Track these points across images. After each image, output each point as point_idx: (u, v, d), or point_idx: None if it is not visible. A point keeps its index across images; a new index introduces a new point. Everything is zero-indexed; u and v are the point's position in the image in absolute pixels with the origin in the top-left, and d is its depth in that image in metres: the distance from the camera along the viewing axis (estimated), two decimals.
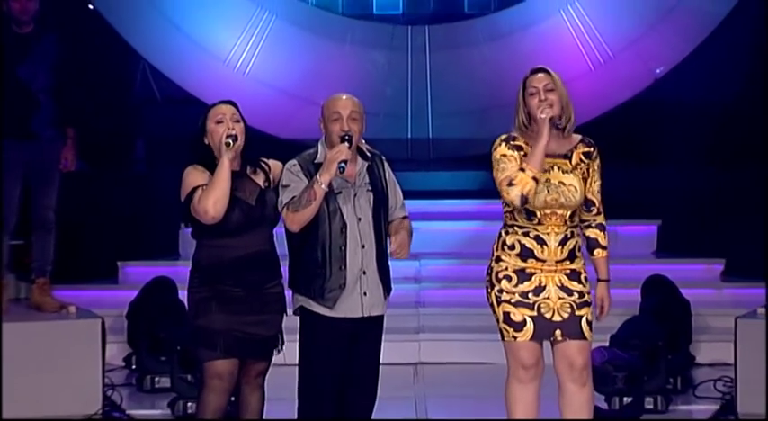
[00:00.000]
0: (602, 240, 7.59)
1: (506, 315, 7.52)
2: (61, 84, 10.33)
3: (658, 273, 10.74)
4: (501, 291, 7.52)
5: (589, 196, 7.53)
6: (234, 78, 12.52)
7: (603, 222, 7.61)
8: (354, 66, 12.90)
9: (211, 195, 7.49)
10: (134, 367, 10.59)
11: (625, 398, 9.70)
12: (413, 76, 13.13)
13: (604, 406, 9.58)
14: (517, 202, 7.37)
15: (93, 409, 9.81)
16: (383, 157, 7.79)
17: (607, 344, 10.11)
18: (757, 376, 9.85)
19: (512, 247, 7.53)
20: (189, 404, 9.53)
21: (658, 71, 12.63)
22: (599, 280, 7.54)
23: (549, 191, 7.41)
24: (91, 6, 12.56)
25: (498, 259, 7.56)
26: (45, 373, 9.90)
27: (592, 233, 7.58)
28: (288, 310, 7.78)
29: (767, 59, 11.35)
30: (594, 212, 7.57)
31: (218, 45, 12.92)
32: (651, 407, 9.85)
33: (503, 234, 7.57)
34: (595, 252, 7.57)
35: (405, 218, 7.76)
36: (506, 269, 7.54)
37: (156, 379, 10.29)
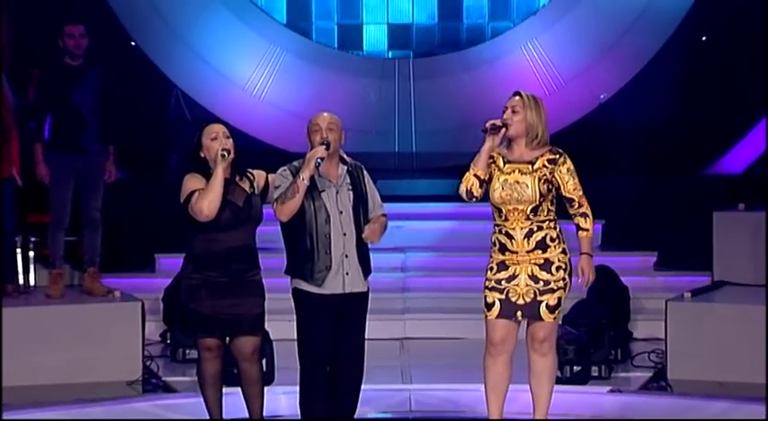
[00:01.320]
0: (583, 224, 7.54)
1: (484, 298, 7.56)
2: (105, 108, 10.36)
3: (602, 264, 10.72)
4: (485, 279, 7.57)
5: (566, 195, 7.51)
6: (251, 102, 12.51)
7: (586, 211, 7.55)
8: (350, 92, 12.88)
9: (206, 198, 7.53)
10: (168, 342, 10.55)
11: (575, 367, 9.70)
12: (399, 101, 13.09)
13: (559, 373, 9.61)
14: (464, 196, 7.51)
15: (134, 376, 9.84)
16: (362, 167, 7.81)
17: (561, 322, 10.15)
18: (683, 348, 9.91)
19: (494, 244, 7.57)
20: None
21: (602, 97, 12.63)
22: (581, 253, 7.53)
23: (503, 188, 7.45)
24: (133, 43, 12.56)
25: (490, 255, 7.61)
26: (95, 346, 9.92)
27: (576, 220, 7.55)
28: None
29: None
30: (576, 206, 7.53)
31: (238, 75, 12.90)
32: (596, 374, 9.85)
33: (492, 234, 7.61)
34: (579, 234, 7.55)
35: (383, 215, 7.78)
36: (492, 262, 7.57)
37: (187, 351, 10.26)
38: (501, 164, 7.52)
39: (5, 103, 10.30)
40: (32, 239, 10.72)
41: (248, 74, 12.87)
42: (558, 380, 9.28)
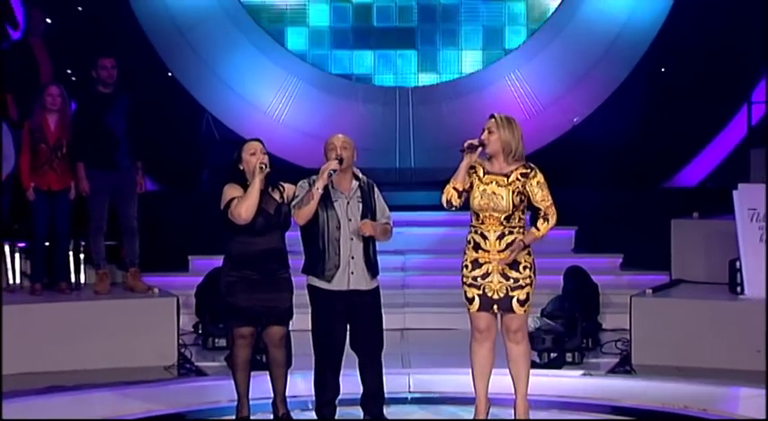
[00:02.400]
0: (539, 224, 7.48)
1: (465, 293, 7.58)
2: (134, 129, 10.35)
3: (575, 264, 10.74)
4: (463, 275, 7.57)
5: (535, 204, 7.49)
6: (271, 124, 12.50)
7: (549, 218, 7.48)
8: (358, 116, 12.88)
9: (244, 204, 7.55)
10: (200, 332, 10.53)
11: (552, 354, 9.70)
12: (400, 123, 13.09)
13: (537, 359, 9.59)
14: (445, 205, 7.50)
15: (170, 362, 9.83)
16: (374, 184, 7.85)
17: (539, 315, 10.13)
18: (646, 338, 9.88)
19: (469, 242, 7.55)
20: None
21: (575, 120, 12.63)
22: (520, 239, 7.50)
23: (482, 197, 7.46)
24: (170, 74, 12.56)
25: (464, 252, 7.58)
26: (136, 336, 9.90)
27: (537, 221, 7.53)
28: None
29: None
30: (542, 213, 7.49)
31: (260, 101, 12.90)
32: (570, 360, 9.82)
33: (468, 234, 7.60)
34: (531, 228, 7.52)
35: (386, 222, 7.79)
36: (467, 260, 7.57)
37: (216, 340, 10.25)
38: (481, 174, 7.52)
39: (66, 127, 10.29)
40: (82, 243, 10.70)
41: (269, 100, 12.87)
42: (537, 365, 9.30)
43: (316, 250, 7.70)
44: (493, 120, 7.54)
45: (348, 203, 7.71)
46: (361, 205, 7.74)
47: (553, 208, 7.55)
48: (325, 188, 7.61)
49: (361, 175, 7.80)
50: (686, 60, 12.37)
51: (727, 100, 12.34)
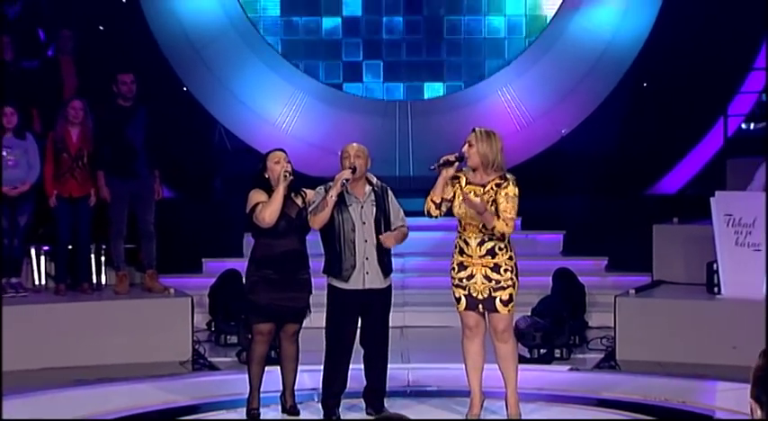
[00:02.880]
0: (495, 220, 7.35)
1: (453, 293, 7.62)
2: (151, 140, 10.36)
3: (563, 266, 10.77)
4: (451, 277, 7.61)
5: (498, 212, 7.44)
6: (279, 135, 12.51)
7: (504, 223, 7.34)
8: (360, 127, 12.88)
9: (269, 209, 7.58)
10: (212, 329, 10.57)
11: (541, 350, 9.73)
12: (399, 134, 13.10)
13: (527, 355, 9.61)
14: (426, 215, 7.58)
15: (185, 357, 9.84)
16: (388, 188, 7.86)
17: (529, 314, 10.15)
18: (629, 335, 9.89)
19: (456, 246, 7.59)
20: None
21: (563, 131, 12.65)
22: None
23: (460, 206, 7.48)
24: (185, 88, 12.58)
25: (452, 256, 7.62)
26: (153, 333, 9.93)
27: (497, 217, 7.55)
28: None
29: None
30: (501, 218, 7.36)
31: (269, 113, 12.92)
32: (559, 356, 9.85)
33: (455, 238, 7.63)
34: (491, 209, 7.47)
35: (402, 226, 7.81)
36: (453, 262, 7.60)
37: (228, 337, 10.28)
38: (463, 184, 7.52)
39: (87, 139, 10.30)
40: (102, 247, 10.72)
41: (277, 113, 12.89)
42: (527, 361, 9.33)
43: (333, 252, 7.72)
44: (473, 134, 7.52)
45: (362, 207, 7.72)
46: (375, 209, 7.73)
47: (511, 222, 7.38)
48: (340, 194, 7.63)
49: (375, 180, 7.80)
50: (666, 76, 12.39)
51: (705, 113, 12.36)
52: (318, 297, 7.95)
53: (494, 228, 7.39)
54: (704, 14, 12.34)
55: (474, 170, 7.52)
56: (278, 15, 13.42)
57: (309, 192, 7.82)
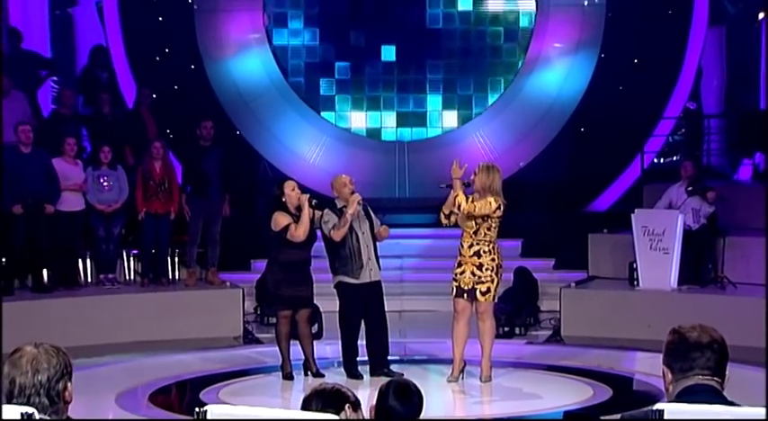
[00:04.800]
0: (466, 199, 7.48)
1: (451, 283, 7.64)
2: (223, 172, 10.37)
3: (522, 266, 10.71)
4: (453, 272, 7.65)
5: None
6: (308, 167, 12.46)
7: (473, 205, 7.44)
8: (368, 160, 12.85)
9: (301, 228, 7.59)
10: (258, 313, 10.48)
11: (505, 328, 9.66)
12: (398, 165, 13.05)
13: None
14: (439, 224, 7.74)
15: (238, 333, 9.81)
16: (367, 204, 7.91)
17: (496, 301, 10.11)
18: (571, 317, 9.85)
19: (457, 249, 7.64)
20: None
21: (521, 164, 12.62)
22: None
23: (459, 219, 7.55)
24: (238, 132, 12.59)
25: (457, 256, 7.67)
26: (214, 315, 9.91)
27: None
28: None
29: None
30: (470, 200, 7.50)
31: (300, 150, 12.86)
32: (518, 333, 9.84)
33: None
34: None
35: (382, 225, 7.94)
36: (456, 260, 7.65)
37: (269, 318, 10.21)
38: (468, 203, 7.57)
39: (168, 170, 10.33)
40: (177, 251, 10.69)
41: (306, 149, 12.86)
42: (495, 337, 9.31)
43: (344, 255, 7.73)
44: (478, 167, 7.61)
45: (359, 222, 7.77)
46: (367, 222, 7.81)
47: (471, 207, 7.35)
48: (340, 212, 7.65)
49: (363, 201, 7.86)
50: (598, 123, 12.38)
51: (628, 151, 12.34)
52: (325, 288, 7.97)
53: (458, 200, 7.36)
54: (626, 77, 12.37)
55: (477, 194, 7.58)
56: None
57: (318, 213, 7.78)
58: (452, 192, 7.52)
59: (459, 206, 7.42)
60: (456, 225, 7.64)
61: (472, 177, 7.56)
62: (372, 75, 13.16)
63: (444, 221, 7.65)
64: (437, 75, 13.15)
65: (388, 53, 13.13)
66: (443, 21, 13.11)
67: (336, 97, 13.25)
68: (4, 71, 10.62)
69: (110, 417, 7.18)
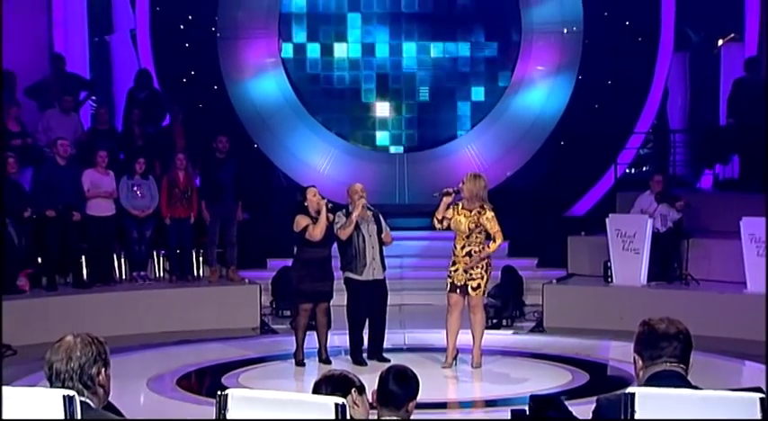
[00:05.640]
0: (490, 243, 7.55)
1: (446, 280, 7.63)
2: (237, 181, 10.35)
3: (509, 264, 10.70)
4: (448, 269, 7.62)
5: (487, 231, 7.57)
6: (319, 176, 12.40)
7: (497, 239, 7.54)
8: (373, 170, 12.81)
9: (319, 229, 7.59)
10: (273, 306, 10.48)
11: (493, 320, 9.66)
12: (398, 175, 13.04)
13: (485, 323, 9.56)
14: (433, 228, 7.73)
15: (255, 325, 9.79)
16: (379, 212, 7.95)
17: (486, 296, 10.10)
18: (552, 309, 9.83)
19: (451, 250, 7.62)
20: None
21: (508, 174, 12.61)
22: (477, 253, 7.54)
23: (451, 224, 7.54)
24: (255, 145, 12.59)
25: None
26: (234, 309, 9.92)
27: (490, 242, 7.59)
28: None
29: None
30: (492, 238, 7.54)
31: (312, 161, 12.84)
32: (506, 324, 9.84)
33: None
34: (487, 243, 7.58)
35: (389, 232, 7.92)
36: (450, 260, 7.64)
37: (283, 312, 10.21)
38: (459, 209, 7.57)
39: (190, 180, 10.33)
40: (200, 251, 10.69)
41: (317, 161, 12.84)
42: (485, 328, 9.29)
43: (350, 256, 7.74)
44: (465, 176, 7.61)
45: (368, 225, 7.77)
46: (375, 226, 7.82)
47: (500, 233, 7.57)
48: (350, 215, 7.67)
49: (372, 208, 7.86)
50: (576, 137, 12.37)
51: (602, 162, 12.32)
52: (337, 283, 7.95)
53: (497, 246, 7.49)
54: (601, 97, 12.38)
55: (465, 200, 7.58)
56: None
57: (332, 216, 7.83)
58: (442, 204, 7.54)
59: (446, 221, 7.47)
60: (448, 228, 7.64)
61: (460, 185, 7.56)
62: None
63: (438, 226, 7.66)
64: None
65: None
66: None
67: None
68: (52, 92, 10.72)
69: (141, 399, 7.16)
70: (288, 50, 12.94)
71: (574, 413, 3.94)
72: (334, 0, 12.97)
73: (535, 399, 3.99)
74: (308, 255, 7.71)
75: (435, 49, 13.06)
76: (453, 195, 7.55)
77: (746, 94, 11.36)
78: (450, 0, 13.05)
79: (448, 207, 7.56)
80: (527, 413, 3.97)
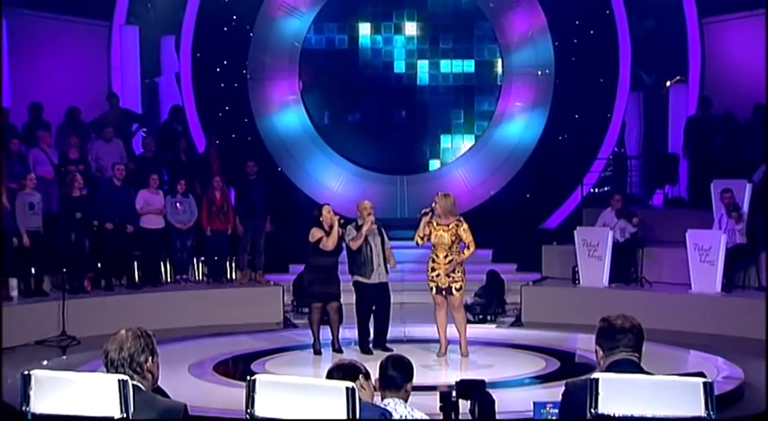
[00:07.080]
0: (465, 251, 7.49)
1: (428, 284, 7.64)
2: (264, 198, 10.37)
3: (492, 269, 10.69)
4: (427, 276, 7.63)
5: (463, 241, 7.56)
6: (332, 195, 12.44)
7: (470, 247, 7.48)
8: (378, 190, 12.80)
9: (331, 240, 7.58)
10: (294, 304, 10.45)
11: (479, 316, 9.68)
12: (399, 194, 13.04)
13: (472, 319, 9.48)
14: (415, 244, 7.65)
15: (279, 320, 9.77)
16: (381, 225, 7.91)
17: (473, 296, 10.08)
18: (529, 306, 9.83)
19: (429, 259, 7.65)
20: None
21: (491, 193, 12.62)
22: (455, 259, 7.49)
23: (435, 237, 7.53)
24: (279, 169, 12.61)
25: (428, 262, 7.63)
26: (261, 306, 9.90)
27: (465, 250, 7.55)
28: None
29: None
30: (467, 246, 7.53)
31: (327, 182, 12.83)
32: (490, 320, 9.79)
33: (429, 254, 7.64)
34: (462, 251, 7.52)
35: (390, 249, 7.87)
36: (428, 267, 7.63)
37: (303, 309, 10.19)
38: (435, 225, 7.57)
39: (225, 198, 10.34)
40: (234, 258, 10.68)
41: (331, 182, 12.87)
42: (472, 322, 9.24)
43: (360, 262, 7.73)
44: (437, 196, 7.63)
45: (373, 236, 7.77)
46: (379, 237, 7.81)
47: (473, 242, 7.54)
48: (359, 228, 7.66)
49: (376, 222, 7.86)
50: (549, 162, 12.40)
51: (571, 183, 12.34)
52: (345, 285, 7.91)
53: (471, 252, 7.45)
54: (569, 128, 12.44)
55: (439, 216, 7.58)
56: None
57: (343, 229, 7.83)
58: (422, 223, 7.53)
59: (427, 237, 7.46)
60: (429, 239, 7.63)
61: (433, 204, 7.58)
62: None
63: (420, 242, 7.66)
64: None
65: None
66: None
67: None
68: (109, 124, 10.78)
69: (184, 383, 7.16)
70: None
71: (493, 395, 3.91)
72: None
73: (461, 383, 3.94)
74: (319, 262, 7.72)
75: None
76: (430, 214, 7.56)
77: (699, 128, 11.49)
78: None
79: (426, 225, 7.57)
80: (453, 395, 3.91)
